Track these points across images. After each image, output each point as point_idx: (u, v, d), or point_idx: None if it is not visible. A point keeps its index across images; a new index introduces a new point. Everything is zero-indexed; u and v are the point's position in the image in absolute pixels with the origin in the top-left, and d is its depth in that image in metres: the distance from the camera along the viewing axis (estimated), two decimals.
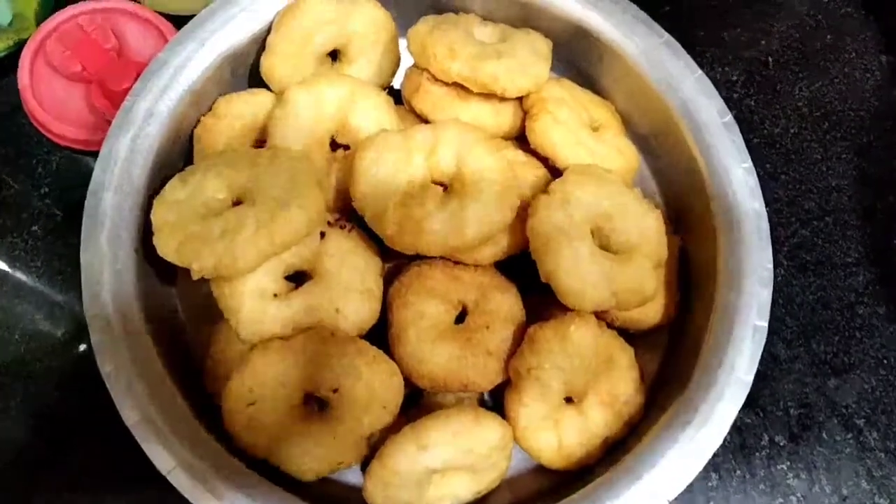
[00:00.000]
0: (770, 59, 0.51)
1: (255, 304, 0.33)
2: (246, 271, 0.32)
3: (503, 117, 0.40)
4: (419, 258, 0.36)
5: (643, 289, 0.35)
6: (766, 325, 0.35)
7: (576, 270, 0.34)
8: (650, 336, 0.38)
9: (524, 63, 0.38)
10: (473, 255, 0.36)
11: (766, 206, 0.43)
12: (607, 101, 0.43)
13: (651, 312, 0.37)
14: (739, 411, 0.36)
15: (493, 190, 0.34)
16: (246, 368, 0.32)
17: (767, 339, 0.42)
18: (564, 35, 0.42)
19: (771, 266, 0.36)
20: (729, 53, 0.51)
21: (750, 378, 0.34)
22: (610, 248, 0.36)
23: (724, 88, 0.49)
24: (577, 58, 0.43)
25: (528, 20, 0.42)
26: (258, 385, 0.32)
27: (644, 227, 0.36)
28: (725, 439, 0.34)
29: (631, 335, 0.38)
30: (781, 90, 0.50)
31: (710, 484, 0.40)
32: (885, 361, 0.44)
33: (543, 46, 0.40)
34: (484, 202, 0.34)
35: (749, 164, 0.38)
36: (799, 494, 0.40)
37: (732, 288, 0.35)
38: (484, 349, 0.35)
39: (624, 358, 0.36)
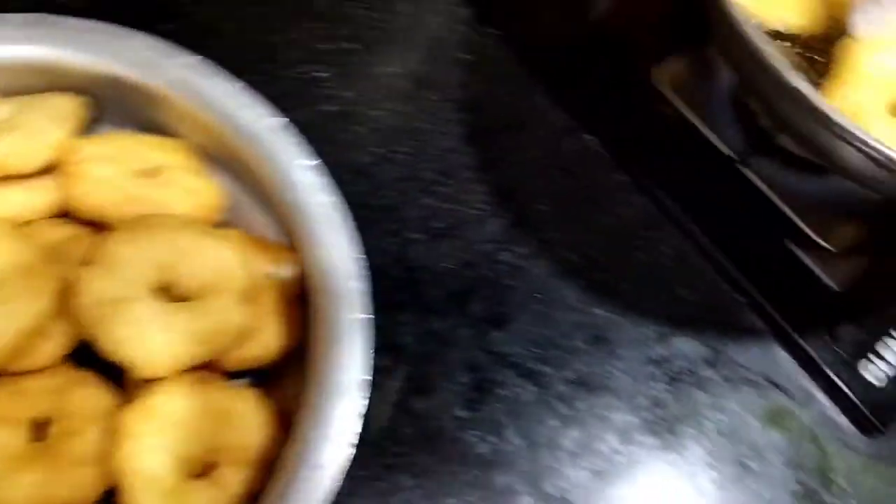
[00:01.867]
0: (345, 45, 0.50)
1: None
2: None
3: (38, 194, 0.35)
4: None
5: (229, 326, 0.32)
6: (366, 316, 0.33)
7: (139, 336, 0.30)
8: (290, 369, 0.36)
9: (36, 133, 0.34)
10: (23, 360, 0.31)
11: (389, 188, 0.41)
12: (177, 141, 0.40)
13: (261, 345, 0.35)
14: (414, 399, 0.34)
15: (16, 283, 0.30)
16: None
17: (424, 317, 0.41)
18: (100, 88, 0.39)
19: (356, 255, 0.34)
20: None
21: (364, 376, 0.32)
22: (184, 297, 0.33)
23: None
24: (131, 106, 0.40)
25: (55, 85, 0.38)
26: None
27: (218, 262, 0.33)
28: (407, 432, 0.32)
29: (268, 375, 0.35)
30: (369, 72, 0.49)
31: (408, 484, 0.38)
32: (539, 296, 0.44)
33: (67, 108, 0.37)
34: (4, 300, 0.30)
35: (307, 161, 0.36)
36: (488, 458, 0.39)
37: (320, 290, 0.33)
38: (73, 460, 0.30)
39: (243, 406, 0.33)
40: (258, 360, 0.35)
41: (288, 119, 0.37)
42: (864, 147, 0.32)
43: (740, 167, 0.45)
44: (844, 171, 0.38)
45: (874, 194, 0.42)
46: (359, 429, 0.31)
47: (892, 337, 0.44)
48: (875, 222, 0.44)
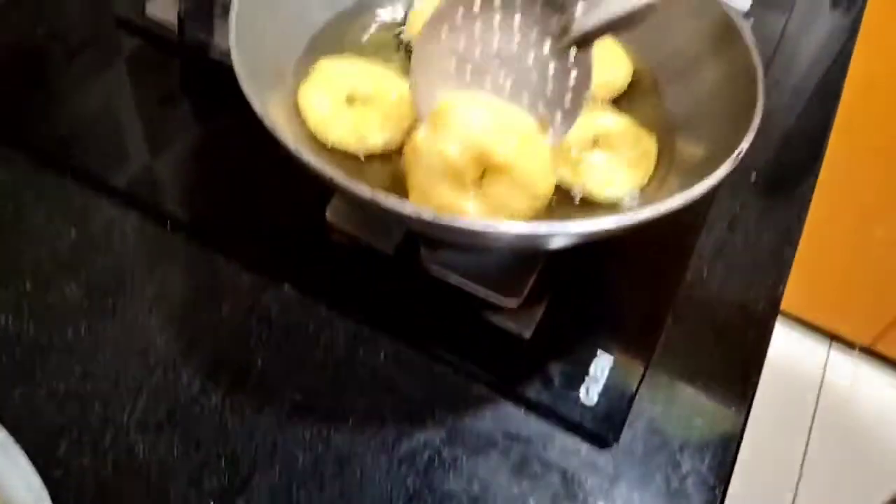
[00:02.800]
0: None
1: None
2: None
3: None
4: None
5: None
6: None
7: None
8: None
9: None
10: None
11: None
12: None
13: None
14: None
15: None
16: None
17: None
18: None
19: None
20: None
21: None
22: None
23: None
24: None
25: None
26: None
27: None
28: None
29: None
30: None
31: None
32: (275, 445, 0.45)
33: None
34: None
35: None
36: None
37: None
38: None
39: None
40: None
41: None
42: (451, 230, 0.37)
43: (426, 264, 0.50)
44: (476, 246, 0.44)
45: (522, 251, 0.49)
46: None
47: (585, 361, 0.49)
48: (539, 271, 0.50)
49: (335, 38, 0.56)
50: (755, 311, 0.54)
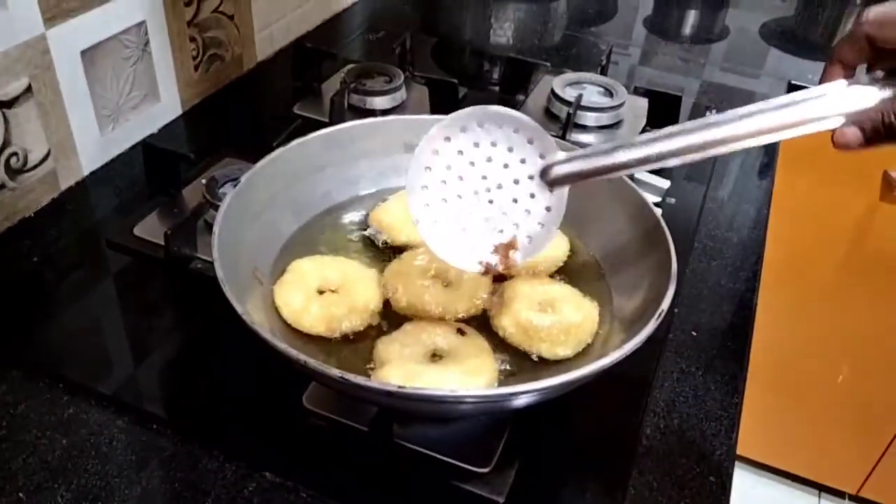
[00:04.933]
0: None
1: None
2: None
3: None
4: None
5: None
6: None
7: None
8: None
9: None
10: None
11: None
12: None
13: None
14: None
15: None
16: None
17: None
18: None
19: None
20: None
21: None
22: None
23: None
24: None
25: None
26: None
27: None
28: None
29: None
30: None
31: None
32: None
33: None
34: None
35: None
36: None
37: None
38: None
39: None
40: None
41: None
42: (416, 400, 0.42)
43: (399, 439, 0.53)
44: (439, 414, 0.48)
45: (485, 414, 0.53)
46: None
47: None
48: (507, 436, 0.54)
49: (306, 240, 0.63)
50: (713, 459, 0.57)
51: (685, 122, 0.46)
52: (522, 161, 0.52)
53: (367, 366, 0.54)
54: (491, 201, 0.53)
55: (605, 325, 0.57)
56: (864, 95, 0.41)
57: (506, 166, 0.52)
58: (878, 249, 1.23)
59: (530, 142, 0.51)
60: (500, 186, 0.53)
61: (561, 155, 0.51)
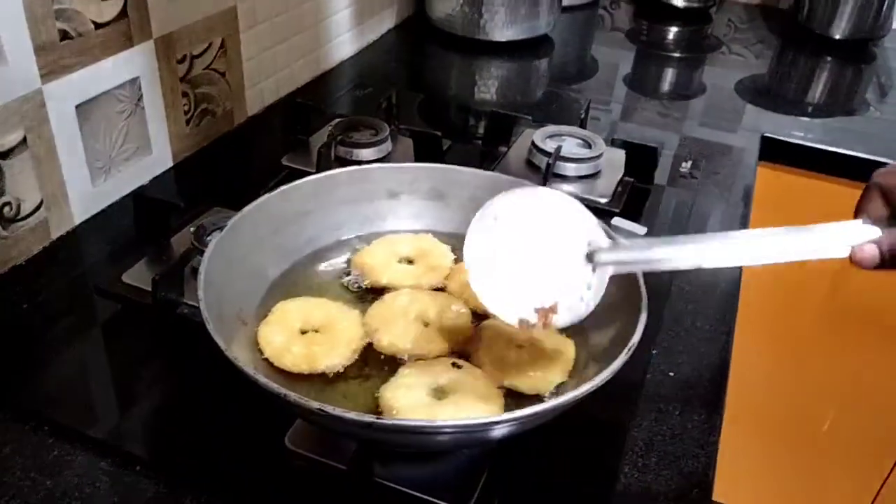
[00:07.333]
0: None
1: None
2: None
3: None
4: None
5: None
6: None
7: None
8: None
9: None
10: None
11: None
12: None
13: None
14: None
15: None
16: None
17: None
18: None
19: None
20: None
21: None
22: None
23: None
24: None
25: None
26: None
27: None
28: None
29: None
30: None
31: None
32: None
33: None
34: None
35: None
36: None
37: None
38: None
39: None
40: None
41: None
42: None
43: (379, 478, 0.54)
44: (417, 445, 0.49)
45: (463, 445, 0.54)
46: None
47: None
48: (486, 474, 0.55)
49: (290, 283, 0.65)
50: (690, 497, 0.58)
51: (729, 231, 0.52)
52: (573, 240, 0.54)
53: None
54: (539, 269, 0.55)
55: (580, 361, 0.58)
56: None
57: (558, 241, 0.55)
58: (852, 299, 1.25)
59: (583, 224, 0.55)
60: (550, 257, 0.55)
61: (606, 243, 0.54)
